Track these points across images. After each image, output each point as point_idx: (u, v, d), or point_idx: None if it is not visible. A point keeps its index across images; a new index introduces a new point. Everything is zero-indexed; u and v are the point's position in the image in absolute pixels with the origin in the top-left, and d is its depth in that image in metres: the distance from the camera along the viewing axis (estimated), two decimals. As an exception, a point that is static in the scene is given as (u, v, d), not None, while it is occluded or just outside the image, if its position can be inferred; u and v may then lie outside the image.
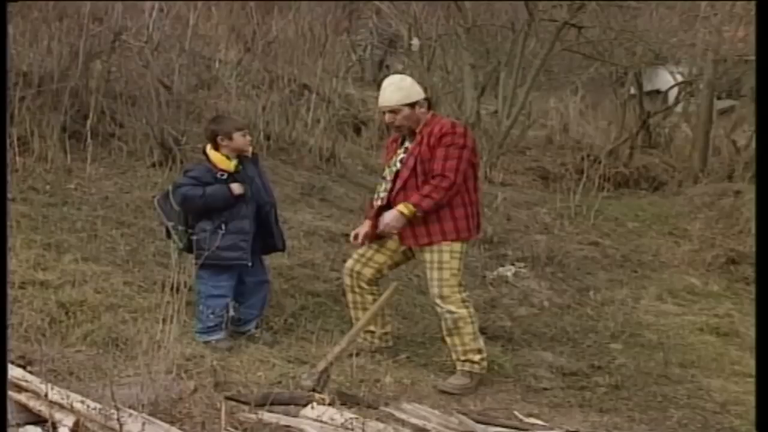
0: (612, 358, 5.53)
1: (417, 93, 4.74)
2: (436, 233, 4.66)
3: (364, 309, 4.89)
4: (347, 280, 4.99)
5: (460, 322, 4.70)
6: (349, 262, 5.00)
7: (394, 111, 4.71)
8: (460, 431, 3.63)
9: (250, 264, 4.86)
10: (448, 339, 4.79)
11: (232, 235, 4.75)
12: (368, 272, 4.93)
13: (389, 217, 4.67)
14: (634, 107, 11.81)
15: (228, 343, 4.74)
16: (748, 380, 5.08)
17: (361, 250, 4.97)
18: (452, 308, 4.69)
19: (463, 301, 4.73)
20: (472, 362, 4.75)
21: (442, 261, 4.68)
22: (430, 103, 4.84)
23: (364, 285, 4.94)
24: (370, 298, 4.93)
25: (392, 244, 4.87)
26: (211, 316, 4.74)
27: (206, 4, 9.87)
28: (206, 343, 4.71)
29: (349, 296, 5.02)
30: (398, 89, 4.75)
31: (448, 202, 4.64)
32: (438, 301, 4.72)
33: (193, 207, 4.77)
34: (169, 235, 4.92)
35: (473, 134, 5.00)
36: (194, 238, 4.74)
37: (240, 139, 4.83)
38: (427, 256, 4.72)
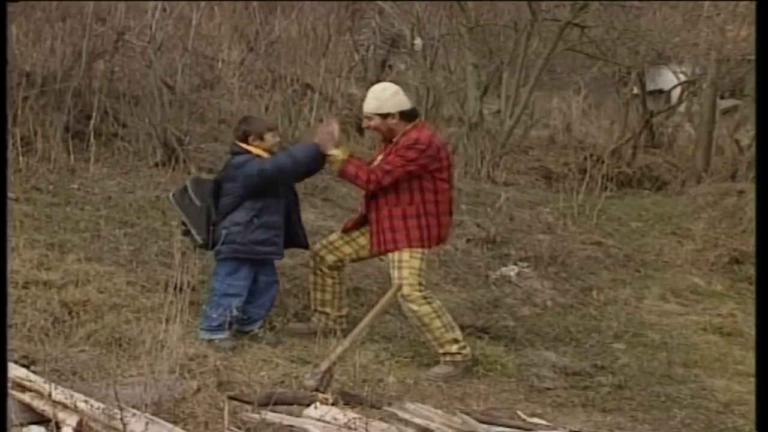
0: (615, 357, 5.53)
1: (392, 105, 4.86)
2: (389, 242, 4.87)
3: (323, 290, 5.13)
4: (311, 262, 5.21)
5: (426, 318, 4.84)
6: (317, 246, 5.20)
7: (368, 117, 4.93)
8: (463, 431, 3.63)
9: (281, 259, 5.01)
10: (422, 336, 4.95)
11: (266, 229, 4.83)
12: (330, 258, 5.11)
13: (328, 131, 4.83)
14: (637, 107, 11.76)
15: (231, 342, 4.75)
16: (752, 380, 5.06)
17: (332, 237, 5.20)
18: (413, 306, 4.83)
19: (425, 297, 4.86)
20: (452, 354, 4.87)
21: (402, 260, 4.83)
22: (414, 114, 4.96)
23: (324, 269, 5.13)
24: (330, 281, 5.15)
25: (363, 240, 5.05)
26: (219, 314, 4.75)
27: (209, 4, 9.87)
28: (209, 341, 4.72)
29: (311, 277, 5.22)
30: (375, 98, 4.93)
31: (402, 214, 4.79)
32: (401, 300, 4.84)
33: (286, 176, 4.86)
34: (187, 232, 4.92)
35: (447, 150, 5.15)
36: (224, 231, 4.77)
37: (271, 140, 4.94)
38: (389, 255, 4.91)
